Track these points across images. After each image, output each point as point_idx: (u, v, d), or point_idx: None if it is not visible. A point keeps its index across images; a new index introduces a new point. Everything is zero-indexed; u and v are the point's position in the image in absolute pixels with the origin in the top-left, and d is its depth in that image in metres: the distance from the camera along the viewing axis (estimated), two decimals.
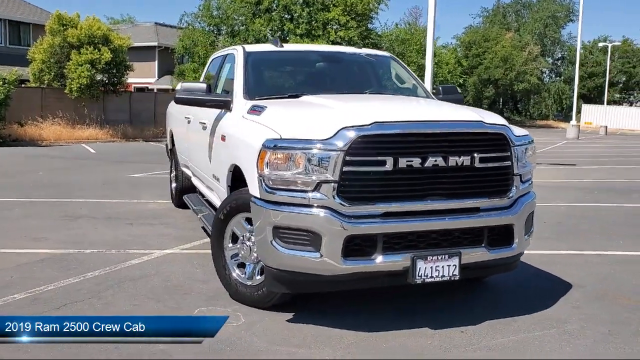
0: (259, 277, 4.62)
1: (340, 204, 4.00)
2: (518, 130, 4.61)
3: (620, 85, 64.67)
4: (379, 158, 4.00)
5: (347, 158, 3.95)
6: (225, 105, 5.45)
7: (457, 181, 4.23)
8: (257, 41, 28.83)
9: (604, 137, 38.49)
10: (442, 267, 4.18)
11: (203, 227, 7.12)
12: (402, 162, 4.02)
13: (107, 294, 4.97)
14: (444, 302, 4.95)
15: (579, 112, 44.15)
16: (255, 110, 4.84)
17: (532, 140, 4.71)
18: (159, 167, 14.00)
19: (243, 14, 30.75)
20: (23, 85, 26.06)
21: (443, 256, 4.17)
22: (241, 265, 4.77)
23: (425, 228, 4.19)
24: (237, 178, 4.85)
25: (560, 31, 63.81)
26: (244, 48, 6.01)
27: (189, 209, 7.71)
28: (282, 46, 6.26)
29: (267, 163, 4.09)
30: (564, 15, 62.79)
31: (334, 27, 30.53)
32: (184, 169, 8.03)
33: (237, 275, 4.76)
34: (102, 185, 11.37)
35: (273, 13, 30.64)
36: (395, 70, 6.48)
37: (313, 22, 30.38)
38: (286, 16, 31.10)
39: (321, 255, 4.02)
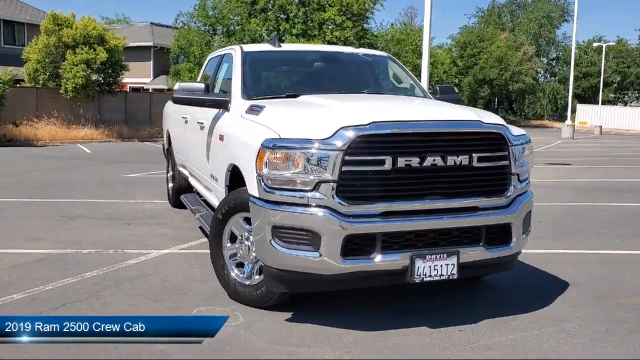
0: (257, 276, 4.63)
1: (340, 203, 4.01)
2: (516, 130, 4.63)
3: (615, 85, 64.86)
4: (378, 158, 4.02)
5: (346, 158, 3.96)
6: (223, 105, 5.45)
7: (456, 180, 4.25)
8: (253, 41, 28.82)
9: (598, 137, 38.64)
10: (441, 266, 4.19)
11: (200, 227, 7.13)
12: (401, 162, 4.04)
13: (105, 294, 4.97)
14: (442, 301, 4.97)
15: (573, 112, 44.27)
16: (254, 110, 4.84)
17: (530, 140, 4.74)
18: (155, 167, 13.98)
19: (239, 14, 30.74)
20: (18, 85, 26.00)
21: (441, 255, 4.19)
22: (240, 265, 4.78)
23: (423, 227, 4.21)
24: (235, 178, 4.86)
25: (555, 31, 64.07)
26: (241, 48, 6.02)
27: (186, 209, 7.71)
28: (280, 46, 6.27)
29: (266, 163, 4.10)
30: (559, 15, 63.01)
31: (330, 27, 30.55)
32: (181, 169, 8.02)
33: (235, 275, 4.76)
34: (98, 186, 11.35)
35: (269, 13, 30.63)
36: (392, 70, 6.50)
37: (309, 22, 30.38)
38: (282, 16, 31.10)
39: (320, 255, 4.02)
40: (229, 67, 6.00)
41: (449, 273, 4.22)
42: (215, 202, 5.69)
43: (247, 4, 30.38)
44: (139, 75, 39.72)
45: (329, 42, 28.82)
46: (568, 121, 37.00)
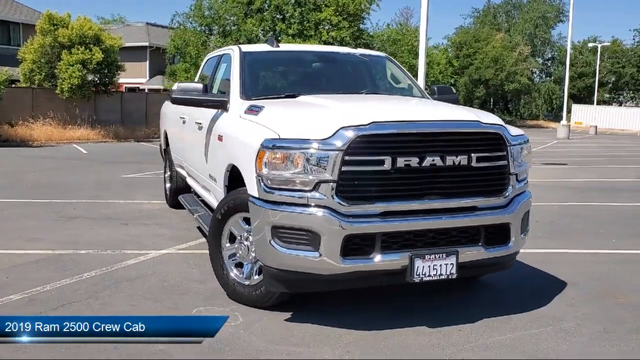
0: (256, 276, 4.64)
1: (339, 203, 4.02)
2: (514, 130, 4.65)
3: (610, 85, 65.09)
4: (377, 158, 4.03)
5: (346, 158, 3.97)
6: (221, 106, 5.46)
7: (455, 180, 4.27)
8: (249, 41, 28.81)
9: (594, 137, 38.78)
10: (440, 265, 4.21)
11: (198, 227, 7.13)
12: (400, 162, 4.05)
13: (104, 295, 4.96)
14: (441, 300, 4.99)
15: (569, 112, 44.41)
16: (253, 110, 4.85)
17: (528, 140, 4.76)
18: (151, 167, 13.98)
19: (235, 14, 30.72)
20: (13, 86, 25.92)
21: (441, 255, 4.21)
22: (239, 265, 4.78)
23: (423, 227, 4.22)
24: (234, 178, 4.86)
25: (550, 31, 64.20)
26: (240, 48, 6.02)
27: (184, 209, 7.72)
28: (278, 46, 6.28)
29: (265, 163, 4.11)
30: (554, 15, 63.15)
31: (326, 28, 30.56)
32: (179, 169, 8.02)
33: (235, 275, 4.77)
34: (95, 186, 11.33)
35: (265, 13, 30.63)
36: (390, 71, 6.51)
37: (305, 22, 30.39)
38: (278, 16, 31.09)
39: (320, 255, 4.03)
40: (227, 68, 6.00)
41: (448, 273, 4.24)
42: (214, 202, 5.70)
43: (243, 4, 30.36)
44: (134, 76, 39.65)
45: (325, 43, 28.83)
46: (563, 121, 37.11)
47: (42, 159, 17.03)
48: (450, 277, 4.26)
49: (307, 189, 4.05)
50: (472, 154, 4.24)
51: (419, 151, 4.10)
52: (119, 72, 26.53)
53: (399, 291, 5.03)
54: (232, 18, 31.23)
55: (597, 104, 54.78)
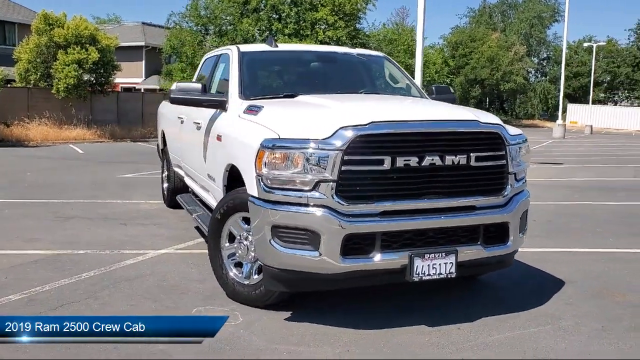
0: (256, 276, 4.64)
1: (339, 203, 4.03)
2: (512, 130, 4.67)
3: (605, 84, 65.36)
4: (377, 157, 4.04)
5: (346, 157, 3.98)
6: (220, 105, 5.46)
7: (454, 180, 4.29)
8: (245, 41, 28.78)
9: (589, 136, 38.91)
10: (439, 264, 4.23)
11: (197, 227, 7.14)
12: (400, 162, 4.06)
13: (103, 295, 4.96)
14: (440, 299, 5.00)
15: (564, 111, 44.54)
16: (252, 110, 4.85)
17: (526, 139, 4.78)
18: (148, 167, 13.96)
19: (231, 14, 30.68)
20: (9, 85, 25.84)
21: (440, 254, 4.22)
22: (238, 265, 4.78)
23: (422, 226, 4.24)
24: (233, 178, 4.87)
25: (545, 31, 64.44)
26: (238, 48, 6.02)
27: (181, 209, 7.71)
28: (277, 46, 6.29)
29: (265, 163, 4.11)
30: (550, 15, 63.35)
31: (322, 27, 30.55)
32: (177, 169, 8.01)
33: (234, 274, 4.77)
34: (92, 186, 11.31)
35: (261, 13, 30.60)
36: (389, 70, 6.53)
37: (301, 22, 30.38)
38: (274, 16, 31.07)
39: (320, 254, 4.04)
40: (226, 68, 6.00)
41: (447, 272, 4.25)
42: (213, 202, 5.70)
43: (239, 4, 30.33)
44: (130, 75, 39.59)
45: (322, 42, 28.82)
46: (559, 121, 37.23)
47: (38, 159, 16.99)
48: (449, 276, 4.28)
49: (307, 188, 4.06)
50: (471, 154, 4.26)
51: (418, 151, 4.12)
52: (115, 72, 26.46)
53: (398, 290, 5.04)
54: (228, 18, 31.18)
55: (592, 104, 54.99)
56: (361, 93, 5.90)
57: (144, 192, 10.37)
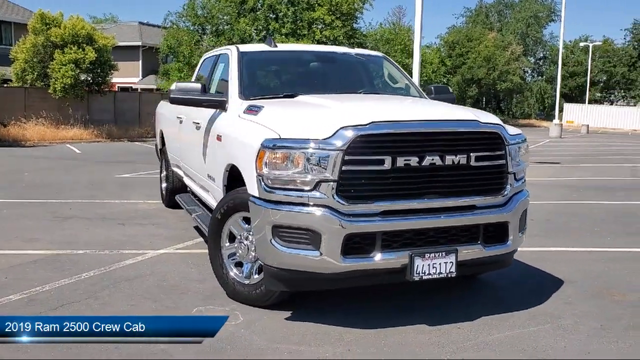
0: (256, 275, 4.65)
1: (340, 202, 4.04)
2: (512, 129, 4.69)
3: (601, 84, 65.52)
4: (377, 157, 4.06)
5: (346, 157, 4.00)
6: (220, 105, 5.46)
7: (454, 180, 4.30)
8: (242, 40, 28.76)
9: (585, 136, 39.00)
10: (440, 264, 4.24)
11: (196, 227, 7.14)
12: (400, 161, 4.08)
13: (103, 295, 4.96)
14: (440, 299, 5.02)
15: (560, 110, 44.63)
16: (252, 110, 4.86)
17: (526, 139, 4.80)
18: (146, 167, 13.95)
19: (228, 13, 30.67)
20: (5, 85, 25.79)
21: (440, 253, 4.24)
22: (239, 265, 4.79)
23: (422, 226, 4.25)
24: (233, 177, 4.88)
25: (542, 31, 64.53)
26: (238, 48, 6.02)
27: (180, 208, 7.72)
28: (276, 46, 6.29)
29: (266, 163, 4.12)
30: (546, 15, 63.47)
31: (319, 27, 30.55)
32: (175, 169, 8.01)
33: (234, 274, 4.78)
34: (89, 186, 11.28)
35: (258, 12, 30.59)
36: (387, 70, 6.54)
37: (298, 22, 30.38)
38: (271, 15, 31.05)
39: (321, 254, 4.05)
40: (225, 68, 6.00)
41: (447, 271, 4.27)
42: (212, 202, 5.70)
43: (236, 4, 30.32)
44: (127, 75, 39.49)
45: (319, 42, 28.82)
46: (556, 120, 37.28)
47: (36, 158, 16.95)
48: (449, 276, 4.29)
49: (308, 188, 4.07)
50: (471, 154, 4.27)
51: (418, 151, 4.13)
52: (112, 71, 26.41)
53: (398, 290, 5.05)
54: (225, 17, 31.17)
55: (588, 103, 55.11)
56: (360, 93, 5.91)
57: (142, 192, 10.36)
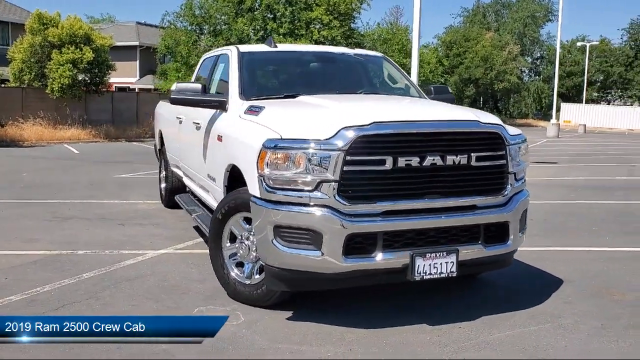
0: (257, 276, 4.66)
1: (341, 202, 4.05)
2: (512, 130, 4.70)
3: (598, 84, 65.66)
4: (379, 157, 4.07)
5: (348, 158, 4.01)
6: (220, 106, 5.47)
7: (455, 180, 4.32)
8: (240, 40, 28.74)
9: (583, 136, 39.07)
10: (441, 264, 4.26)
11: (195, 227, 7.15)
12: (401, 162, 4.09)
13: (104, 295, 4.97)
14: (440, 298, 5.03)
15: (558, 110, 44.72)
16: (253, 110, 4.87)
17: (526, 139, 4.82)
18: (144, 167, 13.95)
19: (225, 13, 30.61)
20: (3, 85, 25.75)
21: (441, 253, 4.26)
22: (239, 265, 4.80)
23: (423, 226, 4.27)
24: (234, 178, 4.88)
25: (539, 31, 64.65)
26: (238, 48, 6.03)
27: (179, 208, 7.72)
28: (276, 46, 6.29)
29: (267, 163, 4.13)
30: (543, 15, 63.57)
31: (317, 27, 30.53)
32: (175, 169, 8.01)
33: (235, 274, 4.78)
34: (88, 186, 11.27)
35: (256, 12, 30.55)
36: (387, 70, 6.55)
37: (296, 22, 30.35)
38: (269, 15, 31.01)
39: (322, 254, 4.07)
40: (226, 68, 6.01)
41: (448, 271, 4.28)
42: (212, 202, 5.71)
43: (234, 4, 30.27)
44: (125, 75, 39.48)
45: (316, 42, 28.80)
46: (553, 120, 37.36)
47: (34, 159, 16.93)
48: (450, 275, 4.31)
49: (309, 188, 4.08)
50: (472, 154, 4.29)
51: (419, 151, 4.15)
52: (110, 71, 26.37)
53: (399, 289, 5.07)
54: (222, 17, 31.11)
55: (585, 103, 55.22)
56: (360, 93, 5.92)
57: (141, 192, 10.36)
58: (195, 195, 7.06)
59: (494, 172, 4.47)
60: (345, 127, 4.06)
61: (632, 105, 60.97)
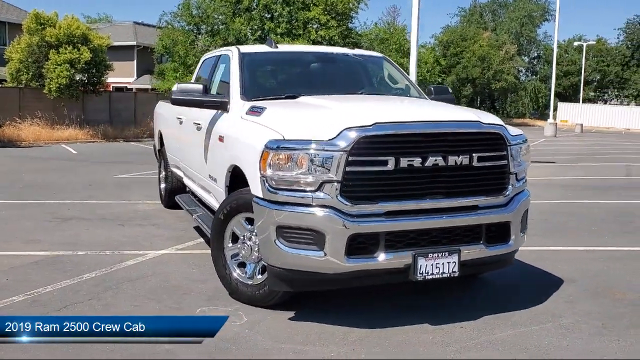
0: (259, 276, 4.67)
1: (343, 203, 4.07)
2: (513, 130, 4.72)
3: (595, 83, 65.82)
4: (381, 158, 4.09)
5: (350, 158, 4.02)
6: (222, 106, 5.47)
7: (456, 180, 4.34)
8: (238, 40, 28.73)
9: (580, 135, 39.14)
10: (443, 264, 4.27)
11: (196, 227, 7.15)
12: (404, 162, 4.11)
13: (106, 296, 4.97)
14: (442, 298, 5.05)
15: (555, 110, 44.80)
16: (255, 111, 4.87)
17: (527, 140, 4.83)
18: (143, 167, 13.94)
19: (223, 13, 30.59)
20: (0, 85, 25.66)
21: (443, 253, 4.27)
22: (241, 265, 4.81)
23: (425, 226, 4.28)
24: (235, 178, 4.89)
25: (536, 30, 64.79)
26: (239, 49, 6.03)
27: (179, 209, 7.73)
28: (277, 47, 6.30)
29: (270, 164, 4.14)
30: (540, 14, 63.71)
31: (315, 27, 30.53)
32: (175, 170, 8.01)
33: (237, 275, 4.79)
34: (87, 186, 11.25)
35: (253, 12, 30.53)
36: (388, 71, 6.57)
37: (293, 22, 30.35)
38: (266, 15, 31.01)
39: (325, 254, 4.08)
40: (226, 69, 6.01)
41: (450, 271, 4.30)
42: (213, 203, 5.72)
43: (232, 3, 30.25)
44: (122, 75, 39.41)
45: (314, 42, 28.81)
46: (550, 119, 37.43)
47: (32, 159, 16.91)
48: (452, 275, 4.32)
49: (312, 189, 4.09)
50: (474, 154, 4.31)
51: (421, 151, 4.16)
52: (107, 71, 26.34)
53: (401, 290, 5.08)
54: (220, 17, 31.09)
55: (582, 102, 55.31)
56: (361, 94, 5.93)
57: (141, 192, 10.36)
58: (195, 196, 7.06)
59: (496, 172, 4.49)
60: (348, 128, 4.07)
61: (628, 104, 61.11)
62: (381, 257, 4.17)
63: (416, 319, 4.50)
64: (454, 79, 52.84)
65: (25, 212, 8.52)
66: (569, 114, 53.67)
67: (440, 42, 56.23)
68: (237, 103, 5.35)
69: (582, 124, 44.95)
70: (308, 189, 4.10)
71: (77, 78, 24.72)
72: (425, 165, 4.16)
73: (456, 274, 4.33)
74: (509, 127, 4.70)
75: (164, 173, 8.84)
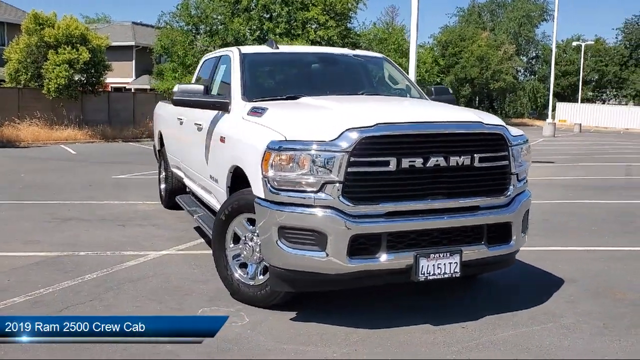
0: (261, 276, 4.67)
1: (345, 204, 4.07)
2: (514, 131, 4.73)
3: (593, 83, 65.89)
4: (383, 159, 4.09)
5: (352, 159, 4.02)
6: (223, 107, 5.47)
7: (458, 180, 4.34)
8: (236, 40, 28.73)
9: (579, 135, 39.17)
10: (444, 264, 4.28)
11: (196, 228, 7.16)
12: (405, 163, 4.11)
13: (107, 296, 4.97)
14: (443, 299, 5.05)
15: (553, 109, 44.86)
16: (256, 112, 4.88)
17: (527, 140, 4.84)
18: (142, 167, 13.94)
19: (222, 13, 30.59)
20: None
21: (445, 254, 4.28)
22: (243, 266, 4.81)
23: (427, 227, 4.29)
24: (237, 179, 4.89)
25: (534, 30, 64.84)
26: (239, 50, 6.03)
27: (179, 209, 7.73)
28: (278, 48, 6.30)
29: (271, 164, 4.15)
30: (538, 14, 63.75)
31: (313, 27, 30.54)
32: (175, 170, 8.01)
33: (239, 275, 4.79)
34: (87, 187, 11.25)
35: (252, 12, 30.53)
36: (388, 71, 6.57)
37: (292, 22, 30.36)
38: (265, 15, 31.02)
39: (327, 255, 4.09)
40: (227, 69, 6.01)
41: (452, 271, 4.31)
42: (214, 203, 5.72)
43: (230, 3, 30.25)
44: (121, 75, 39.37)
45: (313, 42, 28.82)
46: (549, 119, 37.46)
47: (31, 159, 16.89)
48: (454, 276, 4.33)
49: (313, 189, 4.10)
50: (475, 155, 4.31)
51: (423, 152, 4.17)
52: (106, 72, 26.33)
53: (403, 290, 5.08)
54: (219, 17, 31.09)
55: (581, 102, 55.36)
56: (362, 94, 5.93)
57: (140, 193, 10.35)
58: (196, 196, 7.06)
59: (497, 173, 4.50)
60: (349, 129, 4.07)
61: (626, 104, 61.20)
62: (383, 257, 4.17)
63: (418, 319, 4.51)
64: (453, 79, 52.86)
65: (25, 213, 8.52)
66: (568, 113, 53.72)
67: (438, 42, 56.25)
68: (239, 104, 5.35)
69: (580, 124, 45.01)
70: (310, 189, 4.10)
71: (76, 78, 24.71)
72: (427, 165, 4.17)
73: (458, 275, 4.34)
74: (510, 128, 4.70)
75: (164, 173, 8.83)
